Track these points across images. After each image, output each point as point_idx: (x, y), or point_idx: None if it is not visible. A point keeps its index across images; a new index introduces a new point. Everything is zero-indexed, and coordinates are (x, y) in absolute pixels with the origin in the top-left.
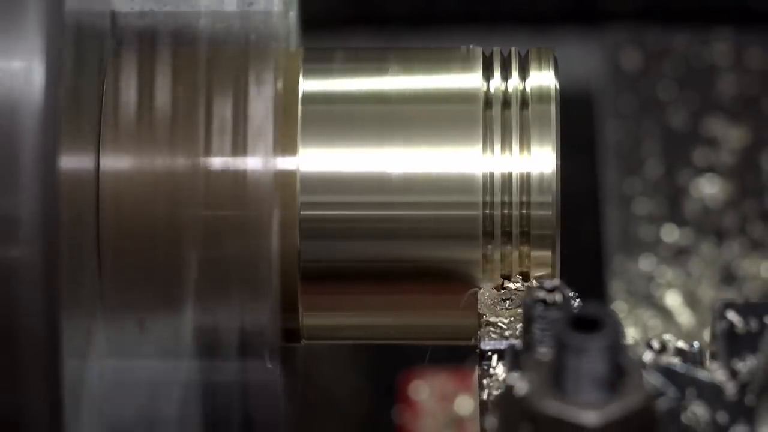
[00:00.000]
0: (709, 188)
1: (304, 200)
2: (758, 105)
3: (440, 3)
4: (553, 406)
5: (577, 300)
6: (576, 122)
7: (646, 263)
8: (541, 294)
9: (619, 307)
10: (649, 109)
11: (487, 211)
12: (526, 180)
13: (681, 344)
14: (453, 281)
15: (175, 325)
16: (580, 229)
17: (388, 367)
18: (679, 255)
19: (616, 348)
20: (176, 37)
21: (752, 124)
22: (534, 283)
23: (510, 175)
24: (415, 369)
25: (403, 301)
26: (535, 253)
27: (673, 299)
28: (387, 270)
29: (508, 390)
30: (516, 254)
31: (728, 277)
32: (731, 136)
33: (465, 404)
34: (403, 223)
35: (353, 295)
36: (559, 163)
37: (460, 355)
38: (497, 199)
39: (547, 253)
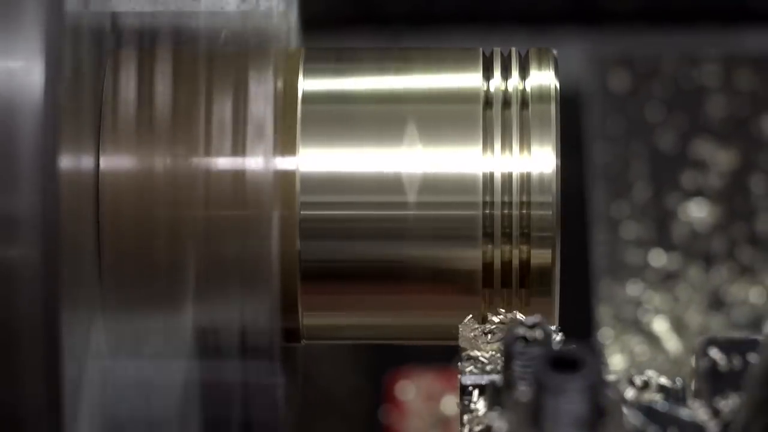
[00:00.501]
0: (697, 212)
1: (304, 200)
2: (747, 127)
3: (440, 3)
4: None
5: (559, 336)
6: (563, 139)
7: (633, 288)
8: (521, 330)
9: (606, 333)
10: (637, 131)
11: (487, 211)
12: (526, 180)
13: (664, 381)
14: (453, 281)
15: (175, 325)
16: (566, 252)
17: (387, 367)
18: (666, 280)
19: (597, 388)
20: (176, 37)
21: (741, 146)
22: (517, 317)
23: (510, 175)
24: (402, 369)
25: (404, 301)
26: (535, 253)
27: (660, 325)
28: (387, 270)
29: (487, 430)
30: (516, 254)
31: (716, 303)
32: (720, 158)
33: (451, 404)
34: (403, 223)
35: (353, 295)
36: (560, 163)
37: (447, 355)
38: (497, 199)
39: (547, 253)
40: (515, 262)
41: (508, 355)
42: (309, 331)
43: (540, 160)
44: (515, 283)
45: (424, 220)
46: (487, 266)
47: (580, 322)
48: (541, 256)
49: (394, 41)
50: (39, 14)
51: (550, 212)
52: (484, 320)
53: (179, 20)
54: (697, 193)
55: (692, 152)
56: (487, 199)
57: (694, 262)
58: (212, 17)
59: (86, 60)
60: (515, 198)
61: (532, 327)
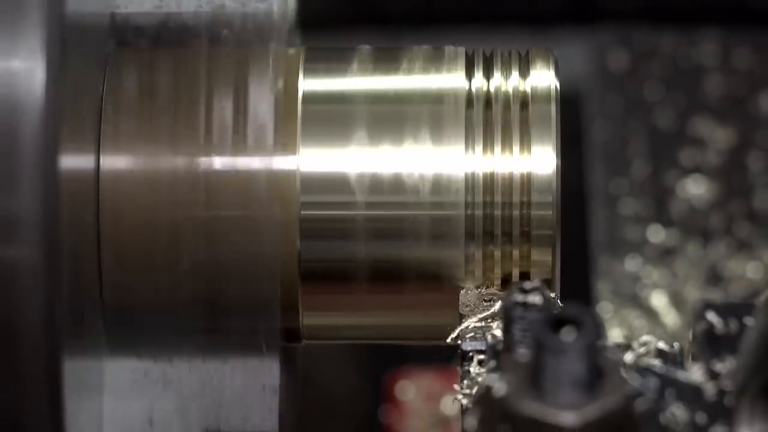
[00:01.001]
0: (695, 189)
1: (305, 200)
2: (745, 105)
3: (440, 3)
4: (531, 407)
5: (557, 301)
6: (562, 122)
7: (632, 264)
8: (520, 296)
9: (605, 307)
10: (635, 110)
11: (487, 212)
12: (526, 180)
13: (662, 345)
14: (453, 281)
15: (175, 324)
16: (566, 229)
17: (387, 367)
18: (665, 255)
19: (595, 349)
20: (176, 37)
21: (739, 124)
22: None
23: (510, 174)
24: (402, 369)
25: (403, 301)
26: (535, 253)
27: (658, 300)
28: (387, 270)
29: (487, 390)
30: (516, 254)
31: (714, 278)
32: (718, 136)
33: (451, 404)
34: (404, 222)
35: (353, 294)
36: (560, 163)
37: (447, 355)
38: (497, 199)
39: (547, 253)
40: (515, 261)
41: (507, 319)
42: (309, 331)
43: (540, 160)
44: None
45: (423, 221)
46: (488, 266)
47: (579, 298)
48: (541, 255)
49: (394, 41)
50: (40, 15)
51: (551, 212)
52: None
53: (179, 20)
54: (695, 170)
55: (690, 130)
56: (488, 199)
57: (692, 237)
58: (212, 17)
59: (87, 60)
60: (515, 198)
61: (531, 291)
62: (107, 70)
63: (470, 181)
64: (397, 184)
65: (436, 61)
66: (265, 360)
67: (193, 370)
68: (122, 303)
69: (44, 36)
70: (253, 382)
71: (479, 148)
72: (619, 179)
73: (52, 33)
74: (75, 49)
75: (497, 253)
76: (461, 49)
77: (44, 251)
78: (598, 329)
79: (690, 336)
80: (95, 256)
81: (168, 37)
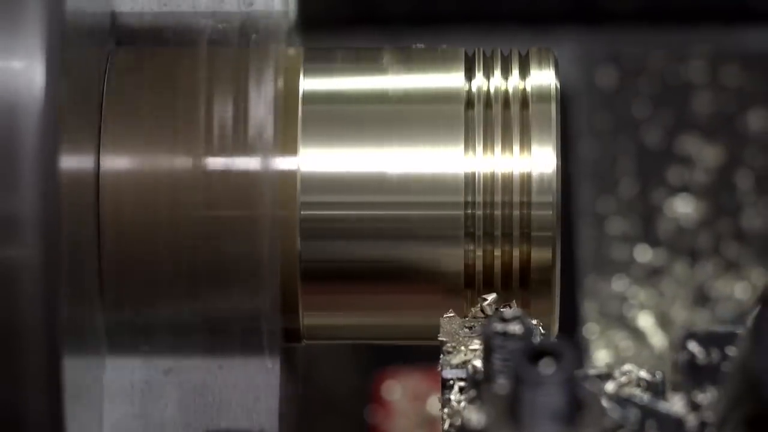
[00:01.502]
0: (683, 208)
1: (305, 200)
2: (734, 123)
3: (440, 2)
4: None
5: (539, 330)
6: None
7: (618, 284)
8: (500, 325)
9: (591, 328)
10: (623, 127)
11: (487, 212)
12: (526, 180)
13: (643, 374)
14: (451, 281)
15: (175, 325)
16: None
17: (373, 367)
18: (652, 275)
19: (574, 381)
20: (176, 37)
21: (727, 142)
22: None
23: (510, 174)
24: (388, 369)
25: (404, 302)
26: (535, 253)
27: (645, 320)
28: (387, 270)
29: (466, 422)
30: (516, 254)
31: (702, 298)
32: (706, 154)
33: (438, 404)
34: (404, 223)
35: (353, 295)
36: (560, 163)
37: (434, 355)
38: (497, 199)
39: (547, 253)
40: (515, 262)
41: (487, 349)
42: (309, 331)
43: (540, 160)
44: (515, 284)
45: (424, 221)
46: (487, 267)
47: (565, 318)
48: (541, 256)
49: (394, 41)
50: (40, 14)
51: (551, 212)
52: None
53: (179, 20)
54: (683, 188)
55: (678, 148)
56: (488, 199)
57: (679, 257)
58: (213, 17)
59: (87, 60)
60: (515, 198)
61: (511, 321)
62: (107, 69)
63: (470, 181)
64: (396, 184)
65: (435, 61)
66: (265, 360)
67: (193, 370)
68: (122, 303)
69: (44, 35)
70: (253, 382)
71: (479, 148)
72: (607, 198)
73: (52, 32)
74: (75, 48)
75: (497, 253)
76: (461, 49)
77: (44, 251)
78: (577, 361)
79: (671, 365)
80: (95, 256)
81: (168, 37)
